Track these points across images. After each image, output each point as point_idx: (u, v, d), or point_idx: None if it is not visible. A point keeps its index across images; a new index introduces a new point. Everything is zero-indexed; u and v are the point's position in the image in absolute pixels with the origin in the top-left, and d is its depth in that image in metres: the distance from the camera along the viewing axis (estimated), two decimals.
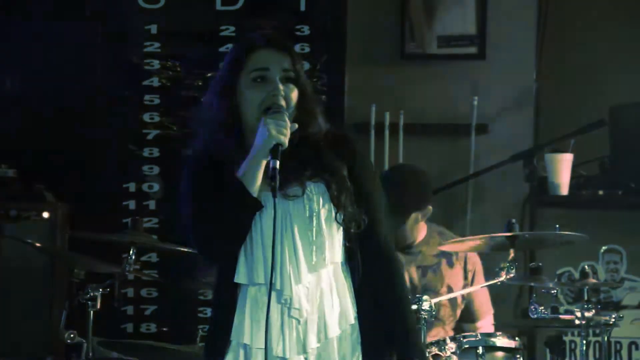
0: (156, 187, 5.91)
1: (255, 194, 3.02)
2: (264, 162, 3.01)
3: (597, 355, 5.32)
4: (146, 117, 5.90)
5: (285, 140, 3.00)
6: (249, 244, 3.08)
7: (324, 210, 3.09)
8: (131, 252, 4.64)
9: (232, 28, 5.90)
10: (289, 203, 3.07)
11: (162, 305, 5.84)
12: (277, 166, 2.97)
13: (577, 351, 4.86)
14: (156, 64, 5.91)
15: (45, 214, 5.33)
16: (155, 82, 5.91)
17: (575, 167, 5.78)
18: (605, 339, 4.68)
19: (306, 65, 5.86)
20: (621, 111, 5.93)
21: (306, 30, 5.89)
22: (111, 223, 5.56)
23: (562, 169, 5.74)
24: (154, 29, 5.91)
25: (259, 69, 3.07)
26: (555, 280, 4.83)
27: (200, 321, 5.74)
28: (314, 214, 3.09)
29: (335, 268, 3.13)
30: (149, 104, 5.90)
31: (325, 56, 5.90)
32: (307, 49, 5.88)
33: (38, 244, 4.89)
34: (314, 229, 3.08)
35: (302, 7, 5.88)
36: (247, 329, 3.07)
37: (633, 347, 5.97)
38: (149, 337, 5.64)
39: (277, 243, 3.01)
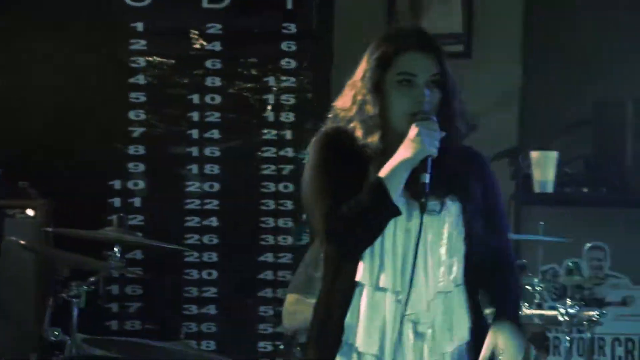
0: (141, 184, 5.89)
1: (396, 200, 2.94)
2: (411, 169, 2.93)
3: (581, 352, 5.33)
4: (132, 115, 5.88)
5: (436, 151, 2.91)
6: (377, 247, 3.01)
7: (456, 232, 3.02)
8: (116, 249, 4.61)
9: (219, 26, 5.89)
10: (425, 217, 2.97)
11: (147, 303, 5.83)
12: (428, 181, 2.90)
13: (561, 347, 4.84)
14: (142, 61, 5.88)
15: (30, 212, 5.31)
16: (141, 79, 5.89)
17: (560, 165, 5.77)
18: (589, 335, 4.70)
19: (292, 64, 5.87)
20: (605, 109, 5.96)
21: (292, 28, 5.90)
22: (96, 220, 5.51)
23: (547, 166, 5.73)
24: (140, 26, 5.88)
25: (406, 73, 2.98)
26: (540, 277, 4.80)
27: (184, 318, 5.77)
28: (450, 233, 3.02)
29: (458, 290, 3.05)
30: (135, 101, 5.88)
31: (311, 54, 5.89)
32: (293, 47, 5.89)
33: (22, 242, 4.85)
34: (446, 249, 3.01)
35: (289, 5, 5.88)
36: (361, 331, 3.01)
37: (616, 343, 6.00)
38: (133, 334, 5.64)
39: (407, 255, 2.97)
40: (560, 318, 4.56)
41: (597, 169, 5.88)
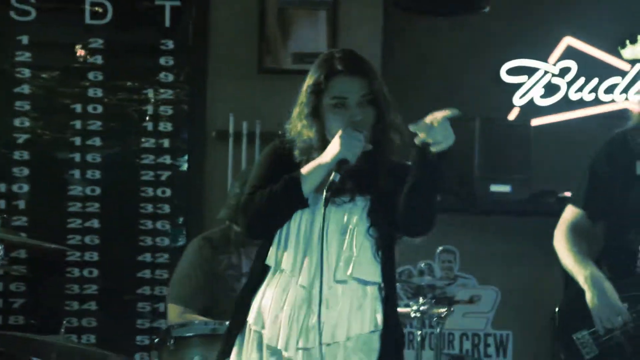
0: (25, 187, 5.86)
1: (307, 194, 3.04)
2: (327, 170, 3.04)
3: (432, 345, 5.41)
4: (17, 122, 5.85)
5: (354, 158, 3.02)
6: (284, 233, 3.11)
7: (359, 225, 3.09)
8: (0, 248, 4.60)
9: (101, 41, 5.89)
10: (331, 210, 3.07)
11: (30, 299, 5.79)
12: (337, 180, 3.01)
13: (414, 342, 4.96)
14: (27, 72, 5.86)
15: None
16: (26, 89, 5.85)
17: None
18: (439, 330, 4.84)
19: (170, 77, 5.90)
20: (456, 126, 5.99)
21: (170, 44, 5.91)
22: None
23: None
24: (25, 39, 5.85)
25: (337, 97, 3.09)
26: (399, 277, 4.94)
27: (66, 314, 5.74)
28: (353, 226, 3.08)
29: (364, 284, 3.09)
30: (20, 109, 5.85)
31: (187, 68, 5.93)
32: (170, 62, 5.90)
33: None
34: (348, 241, 3.08)
35: (167, 23, 5.90)
36: (268, 315, 3.09)
37: (464, 337, 6.11)
38: (17, 329, 5.58)
39: (311, 242, 3.06)
40: (413, 315, 4.68)
41: (448, 180, 6.00)
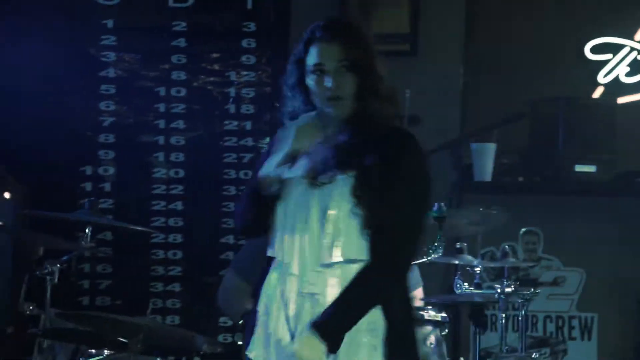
0: (111, 170, 5.88)
1: (270, 186, 2.99)
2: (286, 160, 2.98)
3: (516, 328, 5.34)
4: (102, 106, 5.86)
5: (303, 146, 2.96)
6: (277, 221, 3.03)
7: (343, 205, 2.94)
8: (87, 230, 4.62)
9: (184, 24, 5.88)
10: (315, 192, 2.96)
11: (116, 280, 5.82)
12: (286, 175, 2.96)
13: (498, 324, 4.88)
14: (112, 56, 5.86)
15: (7, 194, 5.28)
16: (111, 73, 5.87)
17: (498, 155, 5.81)
18: (523, 312, 4.75)
19: (252, 60, 5.87)
20: (540, 105, 6.00)
21: (252, 26, 5.89)
22: (69, 203, 5.51)
23: (486, 157, 5.77)
24: (110, 23, 5.86)
25: (315, 64, 2.99)
26: (479, 259, 4.85)
27: (151, 295, 5.77)
28: (336, 206, 2.94)
29: (351, 264, 2.95)
30: (105, 93, 5.86)
31: (269, 51, 5.89)
32: (252, 44, 5.88)
33: (0, 222, 4.84)
34: (333, 222, 2.94)
35: (249, 5, 5.88)
36: (266, 303, 3.03)
37: (547, 320, 6.06)
38: (103, 310, 5.61)
39: (296, 229, 2.97)
40: (497, 296, 4.59)
41: (532, 159, 5.92)
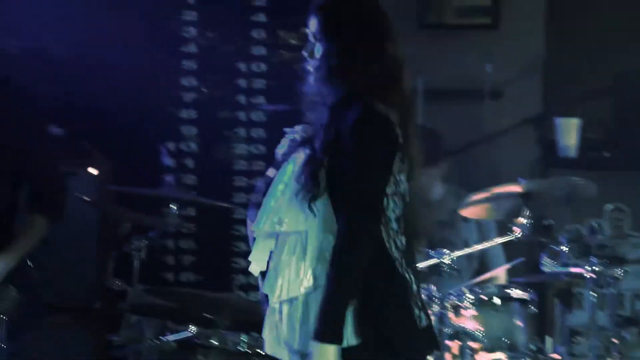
0: (193, 146, 5.90)
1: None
2: None
3: (603, 307, 5.29)
4: (184, 82, 5.87)
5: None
6: None
7: (294, 176, 2.94)
8: (173, 206, 4.63)
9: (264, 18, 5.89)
10: (285, 166, 3.00)
11: (199, 256, 5.85)
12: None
13: (585, 303, 4.81)
14: (193, 31, 5.87)
15: (92, 170, 5.30)
16: (192, 48, 5.88)
17: (582, 130, 5.75)
18: (613, 291, 4.68)
19: None
20: (625, 78, 5.93)
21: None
22: (152, 179, 5.54)
23: (571, 132, 5.71)
24: None
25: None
26: (566, 236, 4.78)
27: (234, 271, 5.78)
28: (285, 179, 2.97)
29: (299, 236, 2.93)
30: (187, 68, 5.88)
31: None
32: None
33: (87, 198, 4.86)
34: (277, 194, 2.95)
35: None
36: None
37: (636, 299, 5.97)
38: (187, 286, 5.66)
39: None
40: (587, 275, 4.53)
41: (617, 134, 5.84)
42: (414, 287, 2.93)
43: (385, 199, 2.90)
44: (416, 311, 2.92)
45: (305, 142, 2.99)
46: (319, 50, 3.00)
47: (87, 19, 5.71)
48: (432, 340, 3.00)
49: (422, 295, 3.00)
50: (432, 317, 3.08)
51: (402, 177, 2.94)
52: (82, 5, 5.69)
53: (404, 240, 2.94)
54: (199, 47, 5.89)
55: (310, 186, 2.88)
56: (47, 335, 4.64)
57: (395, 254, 2.91)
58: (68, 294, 4.90)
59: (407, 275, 2.92)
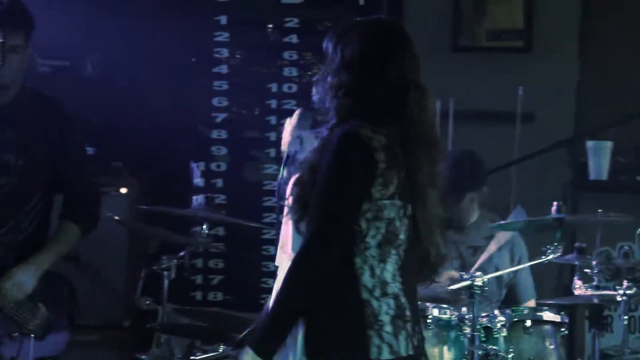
0: (223, 166, 5.89)
1: None
2: None
3: (633, 329, 5.26)
4: (215, 102, 5.88)
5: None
6: None
7: None
8: (204, 226, 4.61)
9: (296, 20, 5.89)
10: None
11: (228, 276, 5.85)
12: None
13: (617, 325, 4.78)
14: (225, 52, 5.89)
15: (123, 190, 5.32)
16: (224, 69, 5.90)
17: (614, 154, 5.71)
18: None
19: None
20: None
21: None
22: (181, 199, 5.55)
23: (602, 155, 5.68)
24: (223, 19, 5.88)
25: None
26: (597, 259, 4.72)
27: (263, 291, 5.75)
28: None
29: None
30: (218, 89, 5.89)
31: None
32: None
33: (117, 217, 4.85)
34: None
35: (361, 2, 5.87)
36: None
37: None
38: (215, 305, 5.65)
39: None
40: (619, 298, 4.47)
41: None
42: (385, 317, 2.84)
43: (364, 224, 2.84)
44: (375, 341, 2.82)
45: (302, 163, 2.95)
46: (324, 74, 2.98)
47: (120, 40, 5.75)
48: None
49: (411, 327, 2.88)
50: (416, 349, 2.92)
51: (388, 203, 2.87)
52: (115, 27, 5.72)
53: (390, 267, 2.88)
54: (230, 68, 5.91)
55: (295, 208, 2.87)
56: (77, 354, 4.62)
57: (367, 281, 2.85)
58: (98, 313, 4.89)
59: (375, 304, 2.84)
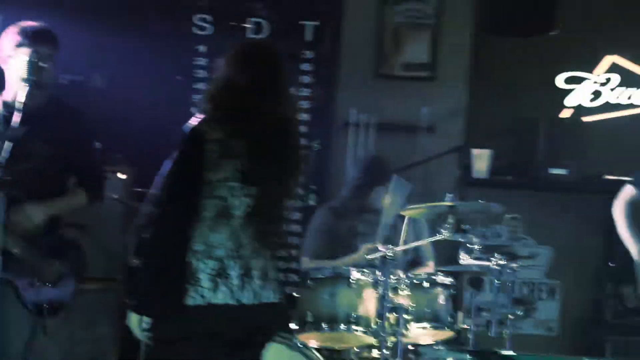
0: None
1: None
2: None
3: (502, 290, 5.28)
4: (193, 110, 5.74)
5: None
6: None
7: None
8: None
9: None
10: None
11: None
12: None
13: (488, 287, 4.80)
14: (203, 73, 5.75)
15: (122, 175, 5.24)
16: (200, 85, 5.73)
17: (492, 159, 5.75)
18: (511, 279, 4.65)
19: (308, 79, 5.77)
20: (523, 121, 5.93)
21: (309, 54, 5.77)
22: None
23: (483, 160, 5.71)
24: (202, 48, 5.74)
25: None
26: (476, 238, 4.76)
27: None
28: None
29: None
30: (196, 99, 5.74)
31: (322, 73, 5.79)
32: (309, 68, 5.76)
33: (116, 196, 4.81)
34: None
35: (308, 38, 5.75)
36: None
37: (523, 285, 5.96)
38: None
39: None
40: (492, 266, 4.50)
41: (517, 163, 5.86)
42: (203, 274, 2.77)
43: (200, 200, 2.78)
44: (191, 292, 2.77)
45: None
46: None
47: (122, 60, 5.64)
48: (202, 319, 2.78)
49: (239, 282, 2.81)
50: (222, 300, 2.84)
51: (224, 181, 2.80)
52: (119, 49, 5.61)
53: (220, 236, 2.80)
54: (206, 84, 5.77)
55: None
56: (83, 299, 4.54)
57: (197, 247, 2.79)
58: (100, 268, 4.80)
59: (196, 262, 2.78)
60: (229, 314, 2.81)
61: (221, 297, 2.80)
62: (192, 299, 2.78)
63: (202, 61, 5.76)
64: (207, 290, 2.79)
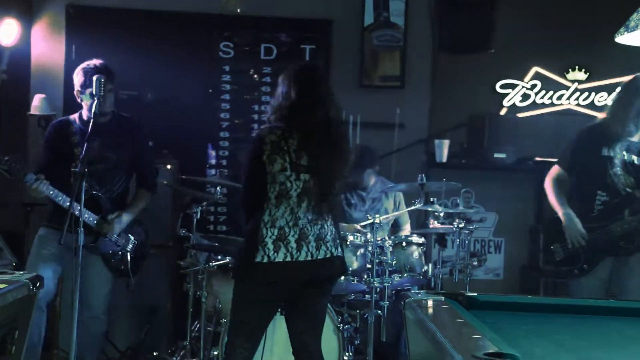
0: (227, 152, 5.74)
1: None
2: None
3: (462, 246, 5.31)
4: (221, 116, 5.74)
5: None
6: None
7: None
8: (218, 188, 4.58)
9: (269, 69, 5.68)
10: None
11: (229, 217, 5.71)
12: None
13: (450, 244, 4.82)
14: (228, 87, 5.70)
15: (169, 166, 5.23)
16: (227, 97, 5.70)
17: (450, 147, 5.73)
18: (469, 238, 4.69)
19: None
20: (474, 118, 5.93)
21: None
22: (202, 171, 5.50)
23: (443, 148, 5.70)
24: (227, 68, 5.69)
25: None
26: (441, 207, 4.79)
27: None
28: None
29: None
30: (223, 108, 5.71)
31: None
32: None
33: (166, 182, 4.80)
34: None
35: (307, 58, 5.70)
36: None
37: (476, 242, 6.00)
38: (222, 233, 5.55)
39: None
40: (454, 229, 4.54)
41: (469, 150, 5.84)
42: (269, 239, 2.82)
43: (267, 185, 2.84)
44: (260, 252, 2.82)
45: None
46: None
47: (168, 80, 5.59)
48: (265, 272, 2.84)
49: (296, 246, 2.86)
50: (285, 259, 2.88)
51: (281, 171, 2.84)
52: (165, 71, 5.55)
53: (281, 210, 2.84)
54: (230, 96, 5.70)
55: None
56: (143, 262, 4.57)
57: (265, 218, 2.85)
58: (157, 237, 4.82)
59: (265, 231, 2.83)
60: (287, 268, 2.88)
61: (281, 256, 2.87)
62: (260, 257, 2.85)
63: (226, 77, 5.73)
64: (271, 251, 2.86)
